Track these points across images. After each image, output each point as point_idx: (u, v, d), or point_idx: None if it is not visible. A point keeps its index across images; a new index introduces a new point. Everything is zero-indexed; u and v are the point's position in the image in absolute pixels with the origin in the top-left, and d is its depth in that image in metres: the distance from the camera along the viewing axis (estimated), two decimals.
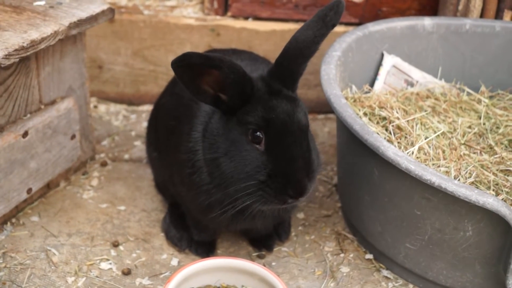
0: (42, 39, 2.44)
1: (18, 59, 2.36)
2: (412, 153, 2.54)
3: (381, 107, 2.77)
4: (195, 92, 2.14)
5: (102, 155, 3.22)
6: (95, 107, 3.62)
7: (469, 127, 2.87)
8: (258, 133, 2.12)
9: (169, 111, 2.57)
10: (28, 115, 2.66)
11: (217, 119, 2.25)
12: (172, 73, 2.83)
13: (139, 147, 3.30)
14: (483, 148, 2.74)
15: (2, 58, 2.29)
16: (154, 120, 2.77)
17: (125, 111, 3.62)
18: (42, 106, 2.73)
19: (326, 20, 2.19)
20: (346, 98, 2.72)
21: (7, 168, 2.55)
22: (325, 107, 3.69)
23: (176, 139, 2.43)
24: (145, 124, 3.49)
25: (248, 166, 2.13)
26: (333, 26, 2.21)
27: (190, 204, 2.46)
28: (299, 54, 2.19)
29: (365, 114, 2.74)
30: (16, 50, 2.34)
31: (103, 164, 3.14)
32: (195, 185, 2.31)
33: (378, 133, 2.57)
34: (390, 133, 2.64)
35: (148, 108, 3.64)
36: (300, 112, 2.16)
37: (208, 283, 2.38)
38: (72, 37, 2.75)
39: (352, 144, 2.60)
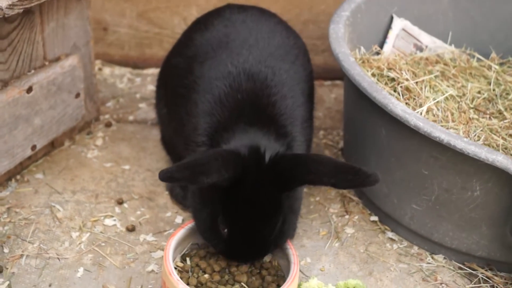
0: None
1: (22, 10, 2.32)
2: (421, 114, 2.50)
3: (389, 68, 2.73)
4: None
5: (107, 116, 3.20)
6: (100, 69, 3.59)
7: (479, 92, 2.84)
8: (223, 224, 2.13)
9: (179, 76, 2.51)
10: (32, 71, 2.64)
11: None
12: (177, 37, 2.81)
13: (144, 109, 3.28)
14: (492, 113, 2.71)
15: (6, 8, 2.25)
16: (164, 77, 2.73)
17: (129, 74, 3.59)
18: (47, 63, 2.70)
19: (338, 176, 2.02)
20: (355, 59, 2.69)
21: (11, 123, 2.53)
22: (332, 73, 3.66)
23: (183, 117, 2.42)
24: (150, 87, 3.47)
25: (211, 241, 2.21)
26: (333, 186, 2.06)
27: None
28: (298, 172, 2.08)
29: (373, 75, 2.70)
30: (20, 0, 2.30)
31: (108, 124, 3.12)
32: None
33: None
34: (399, 94, 2.60)
35: (153, 71, 3.61)
36: (274, 213, 2.11)
37: None
38: None
39: (359, 103, 2.57)
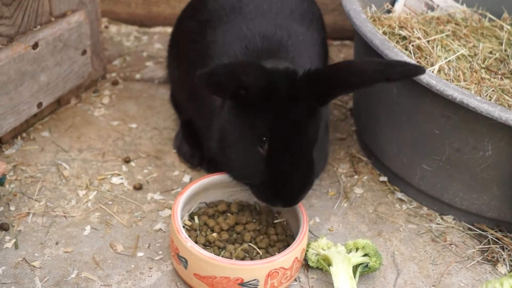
0: None
1: None
2: (432, 72, 2.46)
3: (401, 27, 2.68)
4: (214, 91, 2.07)
5: (113, 74, 3.16)
6: (106, 27, 3.54)
7: (490, 52, 2.79)
8: (264, 138, 2.06)
9: (191, 41, 2.46)
10: (38, 27, 2.59)
11: (232, 104, 2.15)
12: None
13: (151, 68, 3.24)
14: (504, 73, 2.66)
15: None
16: (176, 39, 2.68)
17: (136, 32, 3.54)
18: (53, 18, 2.66)
19: (389, 70, 1.98)
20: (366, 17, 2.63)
21: (17, 79, 2.50)
22: (341, 33, 3.61)
23: (196, 84, 2.36)
24: (157, 46, 3.43)
25: (246, 169, 2.12)
26: (387, 80, 1.99)
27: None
28: (339, 78, 2.03)
29: (384, 33, 2.65)
30: None
31: (114, 83, 3.09)
32: (210, 137, 2.32)
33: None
34: (410, 52, 2.56)
35: (160, 30, 3.56)
36: (311, 128, 2.07)
37: (221, 198, 2.36)
38: None
39: None
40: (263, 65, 2.01)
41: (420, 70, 2.00)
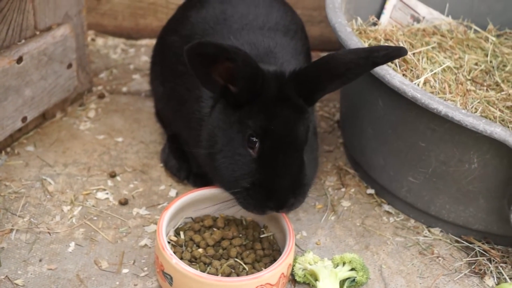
0: None
1: None
2: (418, 85, 2.46)
3: (386, 39, 2.69)
4: (204, 81, 2.06)
5: (100, 87, 3.14)
6: (93, 40, 3.53)
7: (476, 64, 2.80)
8: (254, 139, 2.06)
9: (177, 55, 2.43)
10: (23, 41, 2.58)
11: (221, 108, 2.16)
12: (172, 7, 2.75)
13: (138, 81, 3.22)
14: (489, 85, 2.67)
15: None
16: (159, 54, 2.67)
17: (123, 45, 3.53)
18: (37, 32, 2.64)
19: (373, 55, 2.03)
20: (351, 30, 2.63)
21: (1, 94, 2.48)
22: (328, 44, 3.60)
23: (183, 95, 2.37)
24: (144, 58, 3.42)
25: (237, 171, 2.09)
26: (374, 65, 2.08)
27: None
28: (326, 71, 2.06)
29: (370, 46, 2.65)
30: None
31: (101, 96, 3.07)
32: (198, 147, 2.28)
33: None
34: (396, 65, 2.56)
35: (147, 42, 3.55)
36: (301, 126, 2.08)
37: (207, 213, 2.34)
38: None
39: None
40: (251, 58, 2.00)
41: (403, 50, 2.06)
